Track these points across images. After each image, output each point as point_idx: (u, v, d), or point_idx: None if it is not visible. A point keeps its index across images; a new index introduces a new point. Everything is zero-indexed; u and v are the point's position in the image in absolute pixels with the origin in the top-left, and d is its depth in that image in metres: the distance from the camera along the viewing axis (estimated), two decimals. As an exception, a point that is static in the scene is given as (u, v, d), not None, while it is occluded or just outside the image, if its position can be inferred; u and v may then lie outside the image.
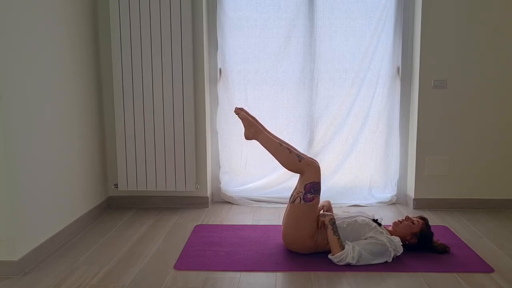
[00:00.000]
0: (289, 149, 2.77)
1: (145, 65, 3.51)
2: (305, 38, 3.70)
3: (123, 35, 3.47)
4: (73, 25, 3.17)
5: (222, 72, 3.79)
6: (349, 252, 2.58)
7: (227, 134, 3.85)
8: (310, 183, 2.68)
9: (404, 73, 3.73)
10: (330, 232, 2.66)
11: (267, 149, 2.81)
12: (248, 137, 2.85)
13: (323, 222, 2.71)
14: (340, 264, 2.59)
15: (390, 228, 2.82)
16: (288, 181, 3.77)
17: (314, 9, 3.67)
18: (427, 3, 3.49)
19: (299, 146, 3.76)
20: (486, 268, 2.57)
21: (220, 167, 3.91)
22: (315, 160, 2.81)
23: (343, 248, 2.61)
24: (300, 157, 2.74)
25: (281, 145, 2.78)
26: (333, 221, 2.68)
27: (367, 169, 3.85)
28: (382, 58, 3.69)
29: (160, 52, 3.49)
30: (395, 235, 2.72)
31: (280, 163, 2.79)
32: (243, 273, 2.53)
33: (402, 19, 3.66)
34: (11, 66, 2.46)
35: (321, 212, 2.82)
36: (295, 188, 2.79)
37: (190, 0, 3.44)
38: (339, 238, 2.64)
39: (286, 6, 3.67)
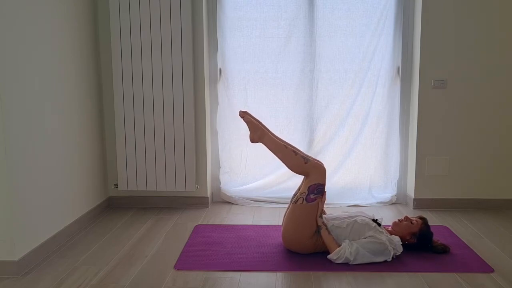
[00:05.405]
0: (294, 152, 2.77)
1: (145, 65, 3.51)
2: (305, 38, 3.70)
3: (123, 35, 3.47)
4: (73, 26, 3.17)
5: (222, 72, 3.79)
6: (347, 248, 2.58)
7: (227, 134, 3.85)
8: (315, 184, 2.68)
9: (404, 73, 3.73)
10: (324, 232, 2.67)
11: (272, 152, 2.82)
12: (253, 140, 2.86)
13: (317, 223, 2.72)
14: (339, 262, 2.60)
15: (389, 229, 2.82)
16: (288, 181, 3.77)
17: (314, 9, 3.67)
18: (427, 3, 3.49)
19: (299, 146, 3.75)
20: (486, 268, 2.57)
21: (220, 167, 3.91)
22: (321, 162, 2.81)
23: (339, 245, 2.62)
24: (306, 159, 2.74)
25: (286, 147, 2.79)
26: (325, 224, 2.69)
27: (367, 169, 3.85)
28: (382, 58, 3.69)
29: (160, 52, 3.48)
30: (394, 235, 2.72)
31: (286, 165, 2.79)
32: (243, 273, 2.53)
33: (402, 19, 3.66)
34: (11, 66, 2.46)
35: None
36: (299, 189, 2.79)
37: (190, 0, 3.45)
38: (333, 238, 2.65)
39: (286, 6, 3.67)
